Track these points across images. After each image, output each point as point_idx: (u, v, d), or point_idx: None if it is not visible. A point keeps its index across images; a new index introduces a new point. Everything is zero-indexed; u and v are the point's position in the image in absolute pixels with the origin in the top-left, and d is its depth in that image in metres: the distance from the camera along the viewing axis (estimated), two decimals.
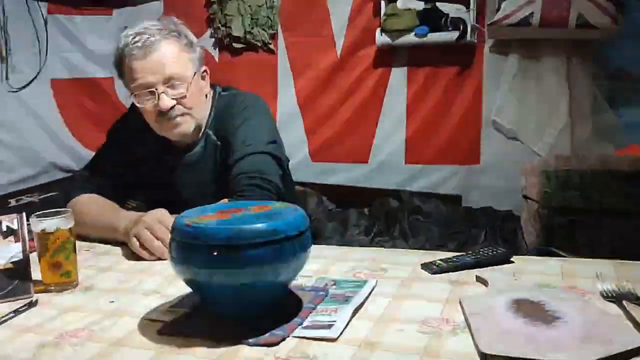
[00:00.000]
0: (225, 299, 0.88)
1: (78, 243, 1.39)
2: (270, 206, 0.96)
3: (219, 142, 1.50)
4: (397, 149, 2.88)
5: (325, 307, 0.93)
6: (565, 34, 2.43)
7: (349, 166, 2.96)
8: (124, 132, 1.58)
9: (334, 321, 0.87)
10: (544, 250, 2.07)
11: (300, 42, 3.00)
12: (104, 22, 3.40)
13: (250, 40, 3.03)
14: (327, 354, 0.78)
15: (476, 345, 0.78)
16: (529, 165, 2.27)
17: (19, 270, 1.09)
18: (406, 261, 1.16)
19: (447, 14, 2.67)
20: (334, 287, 1.02)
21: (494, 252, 1.14)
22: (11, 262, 1.10)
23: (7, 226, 1.17)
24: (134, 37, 1.37)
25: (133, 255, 1.25)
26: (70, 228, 1.10)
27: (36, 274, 1.10)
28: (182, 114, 1.41)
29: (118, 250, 1.33)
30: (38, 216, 1.10)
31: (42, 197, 2.89)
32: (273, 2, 2.98)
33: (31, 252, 1.12)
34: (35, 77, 3.23)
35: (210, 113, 1.52)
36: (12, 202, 2.83)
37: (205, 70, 1.50)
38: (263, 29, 2.99)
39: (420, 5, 2.72)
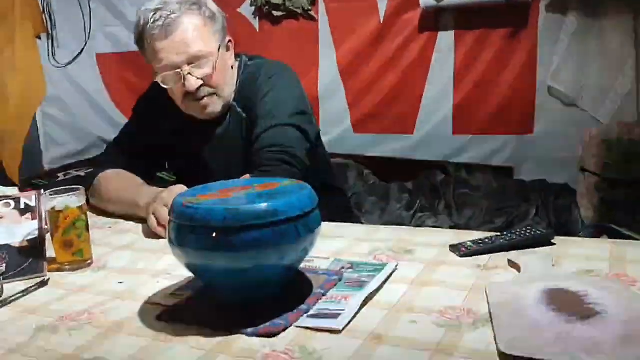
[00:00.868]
0: (226, 283, 0.82)
1: (102, 220, 1.39)
2: (277, 184, 0.88)
3: (244, 115, 1.43)
4: (444, 118, 2.72)
5: (336, 294, 0.86)
6: None
7: (393, 137, 2.83)
8: (149, 106, 1.54)
9: (343, 310, 0.80)
10: (602, 227, 1.90)
11: (341, 7, 2.87)
12: None
13: (289, 7, 2.92)
14: (328, 348, 0.71)
15: (496, 342, 0.68)
16: (588, 134, 2.07)
17: (34, 249, 1.08)
18: (435, 242, 1.06)
19: None
20: (350, 270, 0.95)
21: (533, 233, 1.02)
22: (27, 240, 1.09)
23: (25, 203, 1.17)
24: (154, 14, 1.30)
25: (152, 233, 1.22)
26: (81, 206, 1.07)
27: (50, 249, 1.08)
28: (209, 95, 1.35)
29: (139, 228, 1.30)
30: (51, 194, 1.07)
31: (88, 171, 2.95)
32: None
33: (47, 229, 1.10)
34: (81, 52, 3.27)
35: (235, 85, 1.45)
36: (61, 176, 2.91)
37: (230, 41, 1.42)
38: None
39: None
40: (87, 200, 1.48)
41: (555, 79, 2.45)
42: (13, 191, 1.30)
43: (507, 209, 2.25)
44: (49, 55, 3.17)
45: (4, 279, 1.01)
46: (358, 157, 2.86)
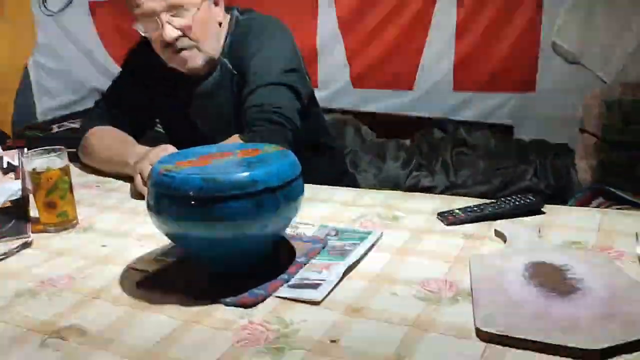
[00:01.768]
0: (206, 252, 0.81)
1: (90, 177, 1.38)
2: (259, 150, 0.86)
3: (234, 71, 1.39)
4: (444, 74, 2.64)
5: (317, 262, 0.85)
6: None
7: (392, 93, 2.77)
8: (138, 61, 1.50)
9: (323, 280, 0.79)
10: (598, 188, 1.88)
11: None
12: None
13: None
14: (305, 321, 0.70)
15: (474, 319, 0.68)
16: (590, 94, 2.02)
17: (17, 210, 1.07)
18: (424, 208, 1.04)
19: None
20: (335, 237, 0.94)
21: (523, 201, 1.00)
22: (9, 201, 1.08)
23: (8, 162, 1.15)
24: None
25: (138, 194, 1.20)
26: (63, 167, 1.05)
27: (34, 210, 1.07)
28: (189, 48, 1.30)
29: (127, 187, 1.28)
30: (33, 154, 1.05)
31: (79, 125, 2.92)
32: None
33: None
34: None
35: (225, 40, 1.40)
36: (55, 128, 2.87)
37: None
38: None
39: None
40: (78, 158, 1.47)
41: (559, 35, 2.37)
42: None
43: (505, 169, 2.22)
44: (40, 2, 3.07)
45: None
46: (356, 112, 2.81)
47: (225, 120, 1.42)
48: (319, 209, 1.07)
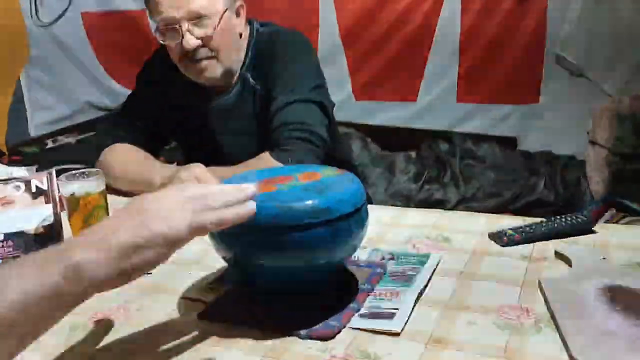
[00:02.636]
0: (272, 282, 0.78)
1: (111, 198, 1.33)
2: (319, 174, 0.83)
3: (258, 87, 1.36)
4: (448, 86, 2.66)
5: (384, 289, 0.82)
6: None
7: (395, 105, 2.77)
8: (154, 73, 1.46)
9: (396, 309, 0.77)
10: (610, 200, 1.90)
11: None
12: None
13: None
14: (390, 354, 0.68)
15: (567, 348, 0.66)
16: (599, 107, 2.04)
17: (51, 236, 1.02)
18: (471, 228, 1.03)
19: None
20: (392, 261, 0.91)
21: (573, 220, 1.00)
22: (42, 227, 1.03)
23: (37, 186, 1.10)
24: None
25: None
26: (102, 191, 1.01)
27: (67, 233, 1.02)
28: (208, 57, 1.27)
29: None
30: (68, 178, 1.01)
31: (79, 137, 2.84)
32: None
33: (62, 210, 1.04)
34: (65, 10, 3.10)
35: (247, 53, 1.37)
36: (49, 143, 2.79)
37: (241, 6, 1.33)
38: None
39: None
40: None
41: (564, 48, 2.40)
42: (20, 172, 1.23)
43: (514, 181, 2.23)
44: (31, 14, 2.99)
45: None
46: (359, 125, 2.80)
47: (248, 136, 1.39)
48: None
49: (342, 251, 0.76)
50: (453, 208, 2.17)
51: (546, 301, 0.76)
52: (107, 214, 1.03)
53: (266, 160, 1.22)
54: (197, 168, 1.18)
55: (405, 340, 0.71)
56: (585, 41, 2.36)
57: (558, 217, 1.02)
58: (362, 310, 0.77)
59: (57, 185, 1.04)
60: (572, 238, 0.96)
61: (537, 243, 0.95)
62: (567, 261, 0.88)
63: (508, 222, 1.05)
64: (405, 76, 2.73)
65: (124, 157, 1.38)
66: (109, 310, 0.82)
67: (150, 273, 0.92)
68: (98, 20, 3.25)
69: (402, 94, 2.75)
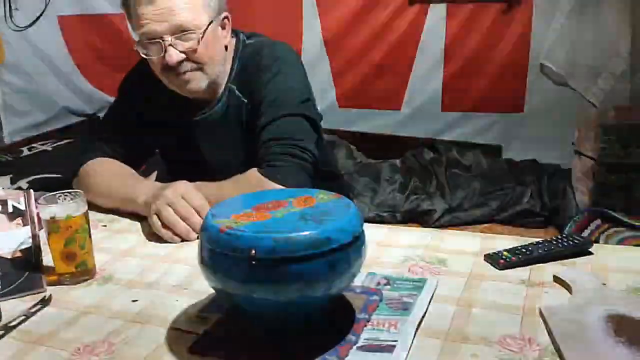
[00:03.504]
0: (268, 314, 0.75)
1: (92, 215, 1.27)
2: (313, 199, 0.80)
3: (244, 100, 1.33)
4: (433, 94, 2.65)
5: (381, 319, 0.80)
6: None
7: (380, 113, 2.75)
8: (136, 85, 1.41)
9: (395, 341, 0.74)
10: (596, 211, 1.91)
11: None
12: None
13: None
14: None
15: None
16: (584, 118, 2.05)
17: (29, 260, 0.97)
18: (466, 249, 1.01)
19: None
20: (387, 287, 0.89)
21: (569, 242, 0.98)
22: (20, 250, 0.98)
23: (14, 206, 1.05)
24: None
25: (154, 236, 1.12)
26: (84, 213, 0.96)
27: (46, 255, 0.97)
28: (192, 70, 1.23)
29: (138, 226, 1.20)
30: (47, 200, 0.96)
31: (55, 144, 2.76)
32: None
33: (40, 230, 0.99)
34: (41, 14, 3.02)
35: (233, 65, 1.33)
36: (25, 151, 2.71)
37: (226, 17, 1.29)
38: None
39: None
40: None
41: (548, 58, 2.41)
42: None
43: (501, 190, 2.23)
44: (6, 17, 2.90)
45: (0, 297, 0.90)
46: (342, 132, 2.78)
47: (234, 150, 1.36)
48: None
49: (340, 282, 0.73)
50: (440, 218, 2.15)
51: (549, 331, 0.74)
52: (90, 236, 0.98)
53: (254, 176, 1.19)
54: (183, 186, 1.15)
55: None
56: (569, 51, 2.37)
57: (554, 238, 1.01)
58: (360, 342, 0.75)
59: (36, 207, 0.98)
60: (569, 260, 0.95)
61: (535, 266, 0.93)
62: (566, 286, 0.86)
63: (502, 242, 1.03)
64: (390, 84, 2.72)
65: (106, 172, 1.33)
66: (92, 344, 0.78)
67: (137, 300, 0.90)
68: (75, 24, 3.17)
69: (387, 102, 2.73)
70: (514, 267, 0.93)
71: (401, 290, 0.87)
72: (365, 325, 0.78)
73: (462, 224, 2.20)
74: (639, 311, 0.76)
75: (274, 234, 0.69)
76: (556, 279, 0.89)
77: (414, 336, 0.75)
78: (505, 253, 0.97)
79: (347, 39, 2.75)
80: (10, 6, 2.88)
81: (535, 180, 2.26)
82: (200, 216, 1.09)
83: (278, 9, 2.80)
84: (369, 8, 2.69)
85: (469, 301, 0.84)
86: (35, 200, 1.00)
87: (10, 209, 1.04)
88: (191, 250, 1.04)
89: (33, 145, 2.81)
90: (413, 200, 2.23)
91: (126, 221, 1.23)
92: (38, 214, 1.00)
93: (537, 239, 1.01)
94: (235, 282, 0.71)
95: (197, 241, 0.81)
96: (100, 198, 1.30)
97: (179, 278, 0.96)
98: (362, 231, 0.76)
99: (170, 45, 1.18)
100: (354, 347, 0.74)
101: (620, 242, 1.82)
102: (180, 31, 1.18)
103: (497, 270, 0.93)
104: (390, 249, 1.03)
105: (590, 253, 0.97)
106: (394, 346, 0.73)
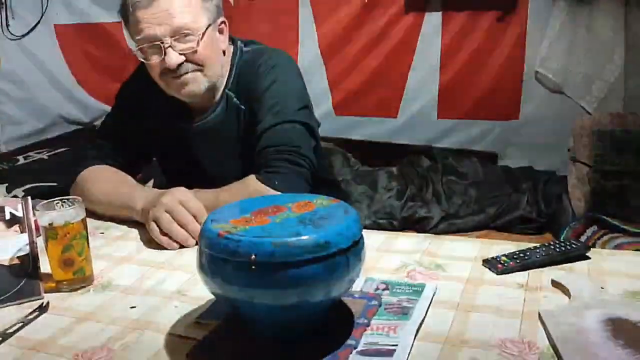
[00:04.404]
0: (267, 319, 0.75)
1: (90, 222, 1.27)
2: (312, 204, 0.80)
3: (242, 106, 1.33)
4: (429, 102, 2.66)
5: (380, 323, 0.80)
6: None
7: (376, 120, 2.76)
8: (133, 93, 1.41)
9: (395, 345, 0.74)
10: (592, 217, 1.91)
11: None
12: None
13: None
14: None
15: None
16: (579, 125, 2.07)
17: (26, 267, 0.97)
18: (464, 254, 1.01)
19: None
20: (386, 292, 0.89)
21: (567, 247, 0.98)
22: (17, 257, 0.98)
23: (11, 213, 1.05)
24: None
25: (152, 242, 1.12)
26: (82, 219, 0.96)
27: (44, 262, 0.97)
28: (192, 71, 1.23)
29: (135, 233, 1.20)
30: (45, 207, 0.96)
31: (51, 153, 2.75)
32: None
33: (38, 236, 0.99)
34: (38, 23, 3.02)
35: (231, 72, 1.34)
36: (21, 160, 2.70)
37: (223, 22, 1.30)
38: None
39: None
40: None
41: (543, 65, 2.43)
42: None
43: (497, 197, 2.24)
44: (2, 26, 2.91)
45: None
46: (339, 140, 2.78)
47: (232, 157, 1.36)
48: None
49: (339, 287, 0.73)
50: (437, 225, 2.16)
51: (548, 335, 0.75)
52: (88, 244, 0.98)
53: (252, 183, 1.19)
54: (180, 192, 1.15)
55: None
56: (564, 58, 2.39)
57: (552, 243, 1.01)
58: (360, 347, 0.75)
59: (34, 214, 0.98)
60: (567, 265, 0.95)
61: (533, 271, 0.93)
62: (565, 290, 0.86)
63: (500, 247, 1.04)
64: (386, 92, 2.73)
65: (103, 179, 1.33)
66: (91, 351, 0.77)
67: (134, 307, 0.90)
68: (71, 32, 3.17)
69: (383, 109, 2.74)
70: (512, 271, 0.94)
71: (400, 295, 0.87)
72: (365, 330, 0.78)
73: (458, 231, 2.21)
74: (636, 315, 0.77)
75: (273, 238, 0.69)
76: (554, 284, 0.89)
77: (414, 340, 0.75)
78: (503, 258, 0.97)
79: (343, 47, 2.77)
80: (7, 15, 2.88)
81: (531, 187, 2.27)
82: (198, 222, 1.09)
83: (274, 16, 2.81)
84: (365, 16, 2.70)
85: (467, 306, 0.84)
86: (33, 207, 1.00)
87: (8, 216, 1.04)
88: (189, 256, 1.05)
89: (29, 153, 2.80)
90: (410, 207, 2.23)
91: (124, 228, 1.23)
92: (36, 221, 0.99)
93: (535, 244, 1.02)
94: (235, 287, 0.70)
95: (196, 247, 0.81)
96: (97, 205, 1.30)
97: (177, 284, 0.96)
98: (361, 236, 0.76)
99: (169, 47, 1.19)
100: (354, 352, 0.74)
101: (616, 248, 1.83)
102: (179, 33, 1.19)
103: (495, 275, 0.94)
104: (388, 255, 1.03)
105: (588, 258, 0.97)
106: (394, 350, 0.73)
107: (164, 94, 1.30)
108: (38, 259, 0.98)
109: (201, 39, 1.21)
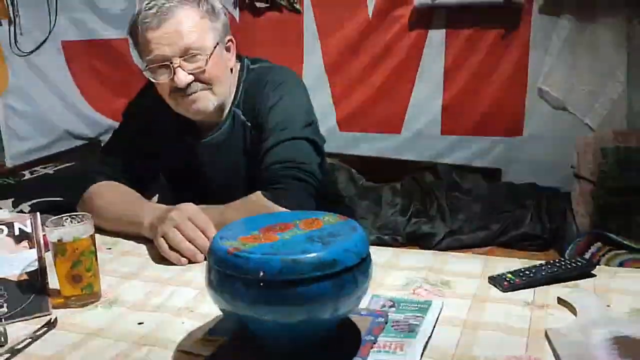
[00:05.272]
0: (275, 336, 0.75)
1: (97, 238, 1.28)
2: (320, 221, 0.81)
3: (248, 123, 1.35)
4: (432, 118, 2.68)
5: (387, 341, 0.80)
6: None
7: (380, 136, 2.78)
8: (141, 110, 1.43)
9: None
10: (596, 234, 1.91)
11: (328, 0, 2.78)
12: None
13: None
14: None
15: None
16: (582, 141, 2.08)
17: (35, 283, 0.97)
18: (469, 271, 1.02)
19: None
20: (392, 309, 0.89)
21: (572, 265, 0.99)
22: (26, 273, 0.99)
23: (20, 229, 1.05)
24: (148, 3, 1.21)
25: (160, 258, 1.12)
26: (91, 235, 0.97)
27: (52, 278, 0.97)
28: (201, 90, 1.24)
29: (143, 248, 1.20)
30: (54, 222, 0.97)
31: (57, 168, 2.77)
32: None
33: (47, 252, 0.99)
34: (45, 39, 3.06)
35: (238, 89, 1.36)
36: (27, 175, 2.72)
37: (230, 40, 1.32)
38: None
39: None
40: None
41: (546, 82, 2.45)
42: (2, 214, 1.18)
43: (501, 213, 2.24)
44: (10, 42, 2.95)
45: (5, 319, 0.91)
46: (343, 155, 2.79)
47: (238, 174, 1.37)
48: None
49: (347, 304, 0.74)
50: (441, 241, 2.16)
51: (555, 353, 0.75)
52: (96, 259, 0.98)
53: (259, 199, 1.20)
54: (189, 207, 1.16)
55: None
56: (567, 75, 2.41)
57: (557, 260, 1.02)
58: None
59: (43, 230, 0.99)
60: (572, 282, 0.95)
61: (539, 288, 0.93)
62: (571, 308, 0.87)
63: (505, 264, 1.04)
64: (390, 108, 2.74)
65: (111, 195, 1.34)
66: None
67: (142, 323, 0.90)
68: (78, 49, 3.21)
69: (387, 125, 2.76)
70: (518, 289, 0.94)
71: (406, 312, 0.88)
72: (372, 348, 0.79)
73: (462, 247, 2.21)
74: None
75: (282, 255, 0.70)
76: (560, 301, 0.89)
77: (421, 358, 0.75)
78: (509, 275, 0.97)
79: (347, 63, 2.79)
80: (15, 31, 2.93)
81: (535, 204, 2.27)
82: (206, 237, 1.10)
83: (279, 33, 2.84)
84: (369, 33, 2.73)
85: (474, 323, 0.85)
86: (42, 223, 1.01)
87: (17, 232, 1.04)
88: (197, 272, 1.05)
89: (35, 168, 2.82)
90: (414, 223, 2.23)
91: (131, 243, 1.24)
92: (44, 237, 1.00)
93: (540, 262, 1.02)
94: (244, 303, 0.71)
95: (203, 263, 0.82)
96: (105, 221, 1.31)
97: (185, 300, 0.96)
98: (369, 253, 0.77)
99: (178, 67, 1.21)
100: None
101: (620, 264, 1.83)
102: (188, 53, 1.21)
103: (501, 292, 0.94)
104: (394, 272, 1.04)
105: (593, 275, 0.98)
106: None
107: (171, 111, 1.31)
108: (46, 274, 0.99)
109: (209, 58, 1.23)
